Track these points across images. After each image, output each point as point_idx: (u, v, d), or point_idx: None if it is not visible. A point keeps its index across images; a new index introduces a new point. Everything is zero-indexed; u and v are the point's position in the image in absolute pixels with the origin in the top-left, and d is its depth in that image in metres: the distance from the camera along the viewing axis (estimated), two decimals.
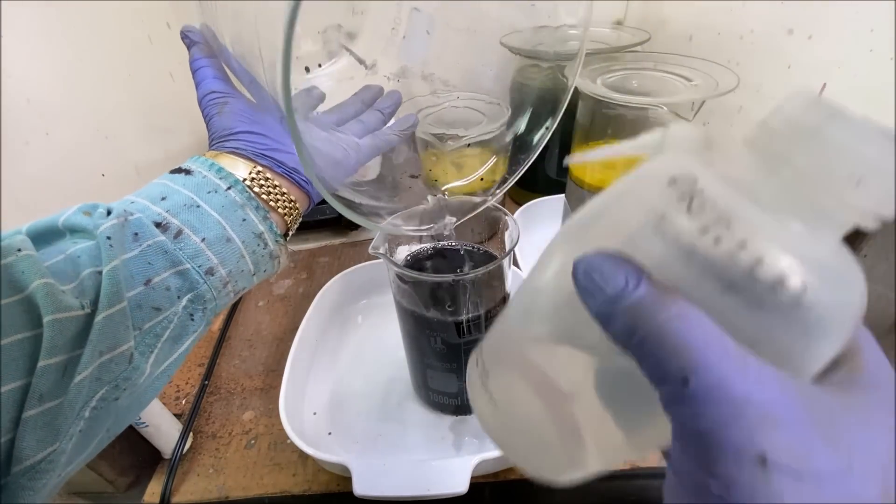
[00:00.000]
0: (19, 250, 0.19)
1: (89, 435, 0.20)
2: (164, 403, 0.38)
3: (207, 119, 0.28)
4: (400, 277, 0.31)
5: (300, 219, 0.28)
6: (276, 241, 0.26)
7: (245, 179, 0.25)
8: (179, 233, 0.23)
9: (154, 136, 0.54)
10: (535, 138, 0.32)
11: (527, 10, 0.32)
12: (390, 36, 0.37)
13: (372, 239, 0.30)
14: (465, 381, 0.34)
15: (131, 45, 0.50)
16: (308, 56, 0.37)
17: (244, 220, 0.25)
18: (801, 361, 0.12)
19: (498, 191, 0.32)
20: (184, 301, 0.23)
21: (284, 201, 0.26)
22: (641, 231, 0.12)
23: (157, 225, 0.23)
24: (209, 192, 0.24)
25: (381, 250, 0.29)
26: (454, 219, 0.29)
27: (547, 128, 0.31)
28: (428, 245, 0.34)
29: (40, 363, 0.18)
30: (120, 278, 0.21)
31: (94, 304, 0.20)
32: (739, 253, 0.11)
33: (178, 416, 0.40)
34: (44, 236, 0.22)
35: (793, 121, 0.11)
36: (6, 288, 0.18)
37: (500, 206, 0.32)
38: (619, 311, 0.12)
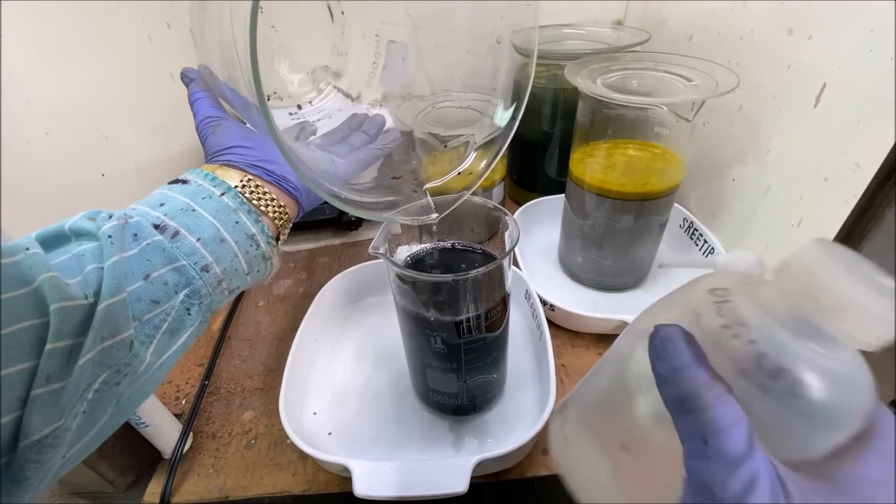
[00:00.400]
0: (27, 249, 0.20)
1: (92, 418, 0.21)
2: (164, 403, 0.38)
3: (203, 139, 0.30)
4: (400, 277, 0.31)
5: (290, 224, 0.31)
6: (268, 242, 0.28)
7: (237, 186, 0.28)
8: (176, 233, 0.25)
9: (154, 136, 0.54)
10: (504, 124, 0.34)
11: (496, 16, 0.35)
12: (372, 69, 0.42)
13: (372, 239, 0.30)
14: (464, 381, 0.34)
15: (131, 45, 0.50)
16: (300, 94, 0.42)
17: (237, 222, 0.27)
18: (802, 444, 0.15)
19: (475, 184, 0.34)
20: (181, 296, 0.25)
21: (274, 206, 0.29)
22: (686, 322, 0.16)
23: (156, 227, 0.25)
24: (204, 198, 0.26)
25: (381, 250, 0.29)
26: (436, 214, 0.31)
27: (513, 117, 0.33)
28: (428, 245, 0.34)
29: (47, 346, 0.19)
30: (120, 272, 0.22)
31: (97, 294, 0.21)
32: (749, 347, 0.15)
33: (178, 416, 0.40)
34: (51, 241, 0.23)
35: (800, 262, 0.14)
36: (15, 282, 0.19)
37: (500, 206, 0.32)
38: (677, 379, 0.15)
